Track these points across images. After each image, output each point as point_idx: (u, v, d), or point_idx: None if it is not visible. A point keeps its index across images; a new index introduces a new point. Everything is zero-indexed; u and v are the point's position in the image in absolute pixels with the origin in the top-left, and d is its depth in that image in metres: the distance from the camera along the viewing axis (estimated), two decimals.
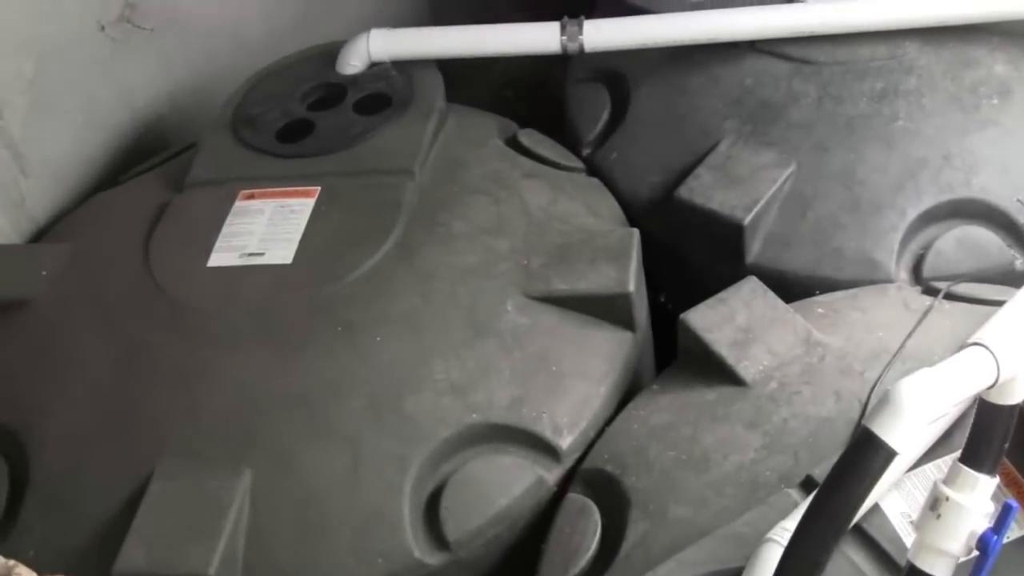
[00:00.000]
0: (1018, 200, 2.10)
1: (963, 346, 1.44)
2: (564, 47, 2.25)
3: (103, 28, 2.42)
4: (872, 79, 2.22)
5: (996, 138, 2.16)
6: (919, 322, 1.84)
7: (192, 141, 2.33)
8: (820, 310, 1.96)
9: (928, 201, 2.10)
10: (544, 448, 1.80)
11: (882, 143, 2.15)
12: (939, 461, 1.58)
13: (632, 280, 1.91)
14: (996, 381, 1.34)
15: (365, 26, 2.35)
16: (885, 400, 1.28)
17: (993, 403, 1.37)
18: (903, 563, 1.35)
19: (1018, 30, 2.26)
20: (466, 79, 2.38)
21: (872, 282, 2.05)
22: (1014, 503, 1.31)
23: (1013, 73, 2.23)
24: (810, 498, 1.35)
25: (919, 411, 1.26)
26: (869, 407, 1.68)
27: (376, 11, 3.16)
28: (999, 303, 1.64)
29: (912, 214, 2.09)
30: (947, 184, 2.11)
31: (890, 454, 1.25)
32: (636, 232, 2.01)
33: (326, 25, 2.82)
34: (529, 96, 2.85)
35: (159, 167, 2.32)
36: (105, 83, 2.46)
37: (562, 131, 2.47)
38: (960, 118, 2.17)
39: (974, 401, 1.40)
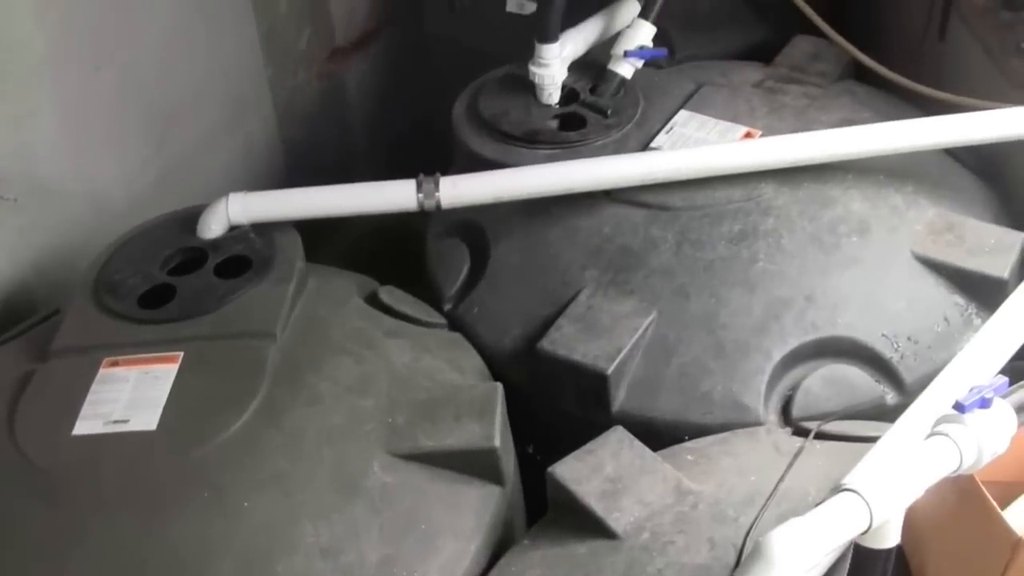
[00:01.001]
0: (883, 335, 2.12)
1: (834, 490, 1.44)
2: (421, 204, 2.26)
3: None
4: (730, 222, 2.25)
5: (858, 275, 2.19)
6: (790, 465, 1.84)
7: (57, 307, 2.30)
8: (690, 457, 1.96)
9: (793, 341, 2.12)
10: None
11: (743, 286, 2.17)
12: None
13: (497, 435, 1.91)
14: (870, 526, 1.34)
15: (224, 186, 2.35)
16: (756, 552, 1.27)
17: (869, 548, 1.37)
18: None
19: (872, 167, 2.30)
20: (326, 231, 2.38)
21: (742, 425, 2.06)
22: None
23: (870, 210, 2.27)
24: None
25: (791, 563, 1.25)
26: (744, 553, 1.67)
27: (233, 170, 3.18)
28: (871, 439, 1.65)
29: (777, 355, 2.11)
30: (811, 323, 2.13)
31: None
32: (499, 386, 2.01)
33: (185, 189, 2.82)
34: (389, 246, 2.86)
35: (23, 335, 2.28)
36: None
37: (425, 279, 2.49)
38: (821, 257, 2.21)
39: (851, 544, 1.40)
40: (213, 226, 2.29)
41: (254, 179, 3.27)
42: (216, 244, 2.29)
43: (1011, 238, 2.21)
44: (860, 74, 2.71)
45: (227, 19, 3.14)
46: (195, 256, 2.29)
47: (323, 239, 2.41)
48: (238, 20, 3.18)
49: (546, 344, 2.15)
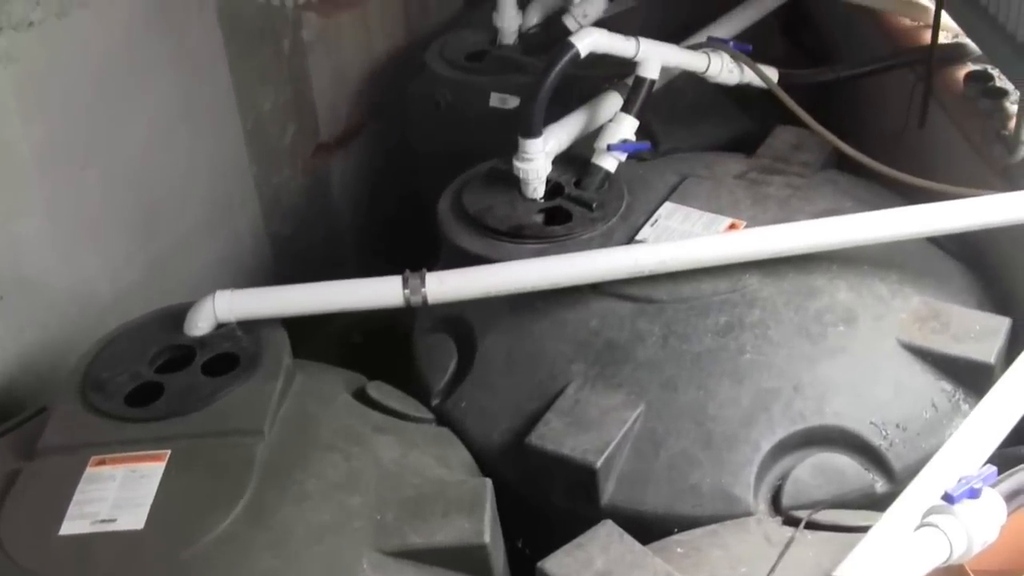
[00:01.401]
0: (872, 423, 2.12)
1: None
2: (407, 300, 2.26)
3: None
4: (716, 314, 2.26)
5: (845, 364, 2.20)
6: (781, 555, 1.83)
7: (44, 404, 2.29)
8: (680, 550, 1.94)
9: (781, 432, 2.12)
10: None
11: (731, 377, 2.18)
12: None
13: (487, 531, 1.90)
14: None
15: (212, 281, 2.36)
16: None
17: None
18: None
19: (856, 256, 2.32)
20: (314, 324, 2.38)
21: (731, 516, 2.05)
22: None
23: (856, 299, 2.28)
24: None
25: None
26: None
27: (221, 266, 3.19)
28: (862, 529, 1.65)
29: (766, 446, 2.11)
30: (799, 413, 2.14)
31: None
32: (488, 482, 2.01)
33: (173, 285, 2.83)
34: (377, 338, 2.86)
35: (10, 433, 2.27)
36: None
37: (412, 373, 2.49)
38: (808, 347, 2.21)
39: None
40: (200, 324, 2.29)
41: (241, 274, 3.29)
42: (203, 341, 2.29)
43: (996, 323, 2.22)
44: (842, 163, 2.73)
45: (212, 117, 3.16)
46: (183, 354, 2.29)
47: (310, 331, 2.41)
48: (223, 117, 3.21)
49: (534, 438, 2.15)
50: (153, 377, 2.24)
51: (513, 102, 3.12)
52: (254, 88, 3.29)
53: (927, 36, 2.84)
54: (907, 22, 3.15)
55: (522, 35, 3.35)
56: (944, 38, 2.83)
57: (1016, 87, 2.51)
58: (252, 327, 2.30)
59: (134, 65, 2.84)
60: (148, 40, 2.89)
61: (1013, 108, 2.49)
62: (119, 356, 2.30)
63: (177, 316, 2.34)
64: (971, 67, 2.78)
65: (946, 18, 2.76)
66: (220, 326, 2.30)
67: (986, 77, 2.68)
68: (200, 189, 3.14)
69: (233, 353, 2.26)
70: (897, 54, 3.03)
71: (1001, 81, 2.65)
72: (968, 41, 2.80)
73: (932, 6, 2.81)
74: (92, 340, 2.36)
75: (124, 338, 2.35)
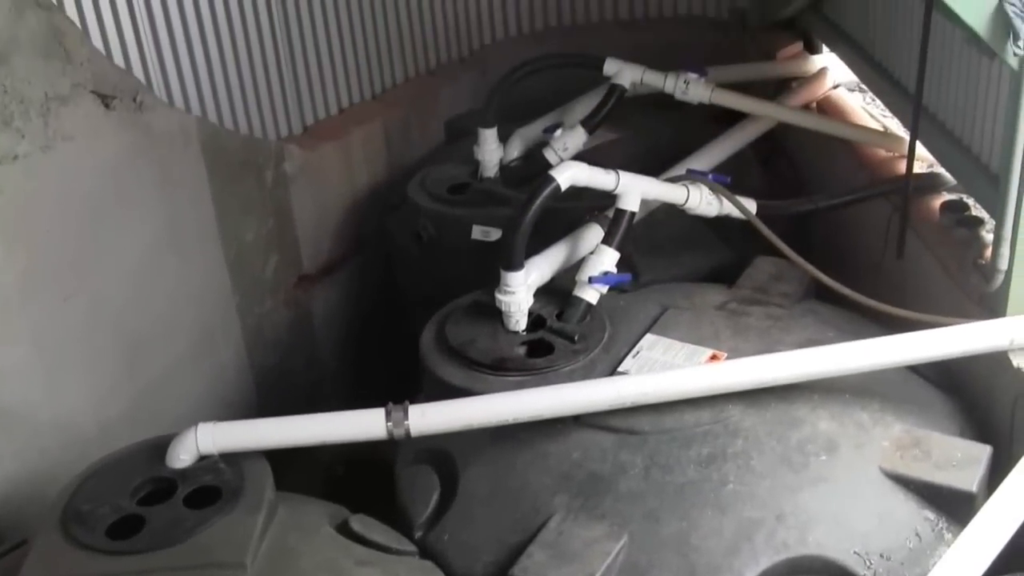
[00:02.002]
0: (855, 552, 2.11)
1: None
2: (391, 433, 2.26)
3: None
4: (699, 445, 2.26)
5: (828, 493, 2.20)
6: None
7: (24, 537, 2.29)
8: None
9: (765, 561, 2.11)
10: None
11: (714, 508, 2.17)
12: None
13: None
14: None
15: (196, 412, 2.36)
16: None
17: None
18: None
19: (837, 385, 2.33)
20: (297, 454, 2.38)
21: None
22: None
23: (838, 428, 2.29)
24: None
25: None
26: None
27: (204, 396, 3.19)
28: None
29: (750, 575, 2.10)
30: (782, 543, 2.13)
31: None
32: None
33: (156, 416, 2.82)
34: (360, 469, 2.85)
35: None
36: None
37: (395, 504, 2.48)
38: (790, 477, 2.21)
39: None
40: (182, 456, 2.29)
41: (225, 404, 3.28)
42: (185, 474, 2.28)
43: (977, 451, 2.23)
44: (822, 293, 2.75)
45: (195, 247, 3.18)
46: (165, 486, 2.27)
47: (293, 462, 2.41)
48: (206, 248, 3.22)
49: (517, 572, 2.13)
50: (135, 510, 2.23)
51: (495, 234, 3.14)
52: (237, 219, 3.32)
53: (902, 166, 2.88)
54: (882, 153, 3.20)
55: (503, 168, 3.38)
56: (919, 168, 2.87)
57: (991, 216, 2.53)
58: (234, 459, 2.30)
59: (119, 196, 2.87)
60: (133, 172, 2.92)
61: (989, 237, 2.52)
62: (101, 488, 2.29)
63: (159, 448, 2.33)
64: (946, 196, 2.82)
65: (921, 148, 2.80)
66: (202, 458, 2.30)
67: (962, 206, 2.72)
68: (184, 319, 3.15)
69: (215, 486, 2.25)
70: (873, 184, 3.07)
71: (976, 210, 2.68)
72: (943, 171, 2.84)
73: (907, 137, 2.85)
74: (74, 472, 2.35)
75: (106, 470, 2.35)
